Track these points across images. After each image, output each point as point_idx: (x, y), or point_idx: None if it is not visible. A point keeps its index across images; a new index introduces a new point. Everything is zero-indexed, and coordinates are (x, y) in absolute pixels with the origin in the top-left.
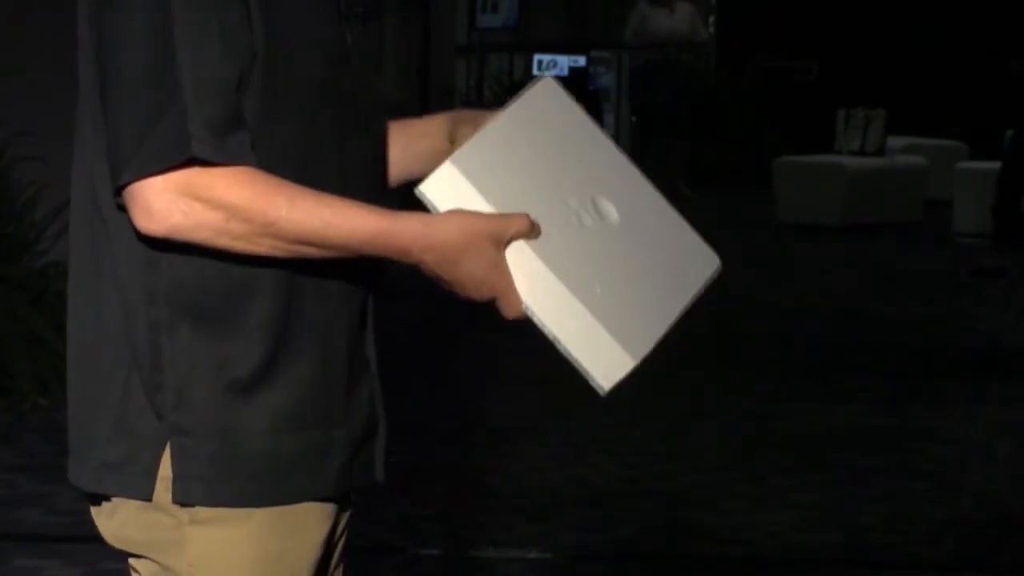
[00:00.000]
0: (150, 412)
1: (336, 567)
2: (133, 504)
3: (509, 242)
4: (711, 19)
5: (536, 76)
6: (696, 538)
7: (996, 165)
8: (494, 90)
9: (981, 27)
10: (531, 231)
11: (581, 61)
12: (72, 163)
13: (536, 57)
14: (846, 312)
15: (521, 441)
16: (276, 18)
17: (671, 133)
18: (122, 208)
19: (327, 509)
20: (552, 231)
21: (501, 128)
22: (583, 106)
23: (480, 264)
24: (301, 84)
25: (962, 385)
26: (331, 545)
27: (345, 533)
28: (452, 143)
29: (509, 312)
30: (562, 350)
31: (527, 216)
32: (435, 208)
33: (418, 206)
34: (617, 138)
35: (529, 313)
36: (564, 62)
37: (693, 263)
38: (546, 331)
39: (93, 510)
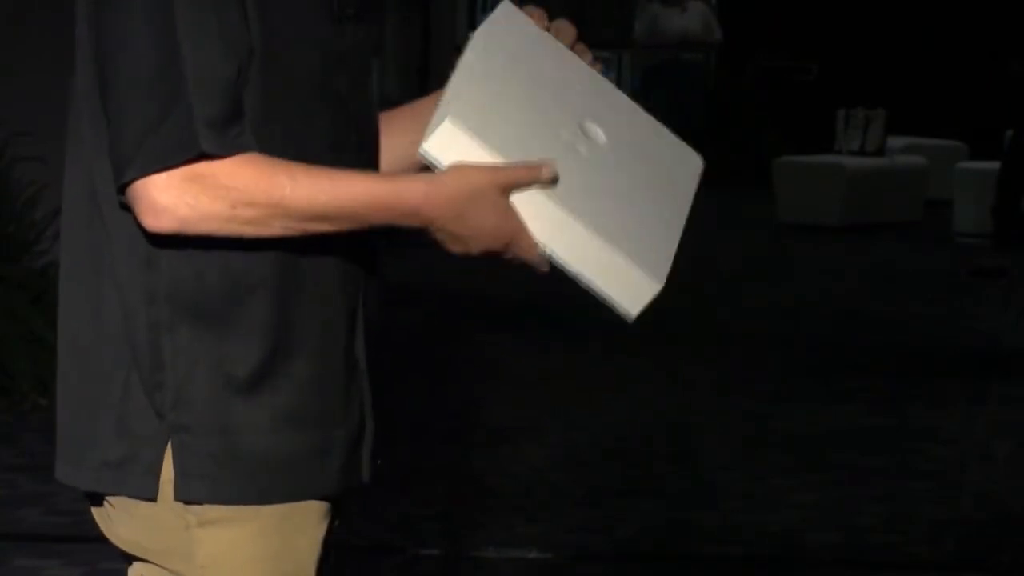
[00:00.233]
0: (150, 411)
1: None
2: (135, 504)
3: (513, 188)
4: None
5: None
6: (696, 538)
7: (996, 165)
8: None
9: (981, 27)
10: (533, 174)
11: None
12: (65, 162)
13: None
14: (846, 312)
15: (521, 441)
16: (272, 18)
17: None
18: (124, 207)
19: (327, 508)
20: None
21: (478, 66)
22: None
23: (488, 214)
24: (298, 84)
25: (962, 385)
26: (327, 546)
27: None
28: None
29: (527, 255)
30: (585, 284)
31: (527, 162)
32: (440, 164)
33: None
34: None
35: (548, 254)
36: None
37: (682, 169)
38: (567, 269)
39: (94, 510)
